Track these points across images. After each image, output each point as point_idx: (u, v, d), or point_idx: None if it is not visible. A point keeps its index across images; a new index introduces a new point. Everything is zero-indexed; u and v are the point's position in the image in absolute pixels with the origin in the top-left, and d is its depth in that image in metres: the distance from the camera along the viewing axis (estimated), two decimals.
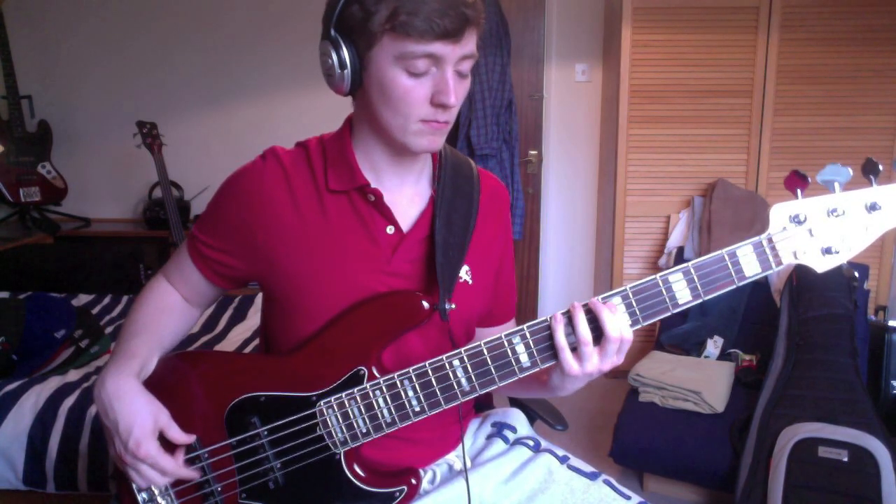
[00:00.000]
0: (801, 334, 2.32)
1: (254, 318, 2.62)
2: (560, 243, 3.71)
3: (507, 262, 1.17)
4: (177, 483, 1.02)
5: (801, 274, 2.46)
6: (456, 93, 0.92)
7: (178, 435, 0.99)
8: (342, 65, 0.92)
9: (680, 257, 2.99)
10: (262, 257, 1.03)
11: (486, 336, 1.09)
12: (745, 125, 3.01)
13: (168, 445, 0.99)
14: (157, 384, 1.02)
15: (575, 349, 0.90)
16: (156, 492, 1.02)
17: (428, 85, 0.92)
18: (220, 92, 3.66)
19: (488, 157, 3.29)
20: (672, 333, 2.77)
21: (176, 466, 0.98)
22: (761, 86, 2.96)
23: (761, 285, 2.78)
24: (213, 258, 1.07)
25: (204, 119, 3.70)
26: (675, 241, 3.10)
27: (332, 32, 0.92)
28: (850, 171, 0.86)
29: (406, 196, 1.05)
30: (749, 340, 2.71)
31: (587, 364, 0.90)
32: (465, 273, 1.05)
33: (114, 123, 3.64)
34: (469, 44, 0.92)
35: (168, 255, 3.43)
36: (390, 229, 1.02)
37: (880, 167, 0.85)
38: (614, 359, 0.91)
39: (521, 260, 3.64)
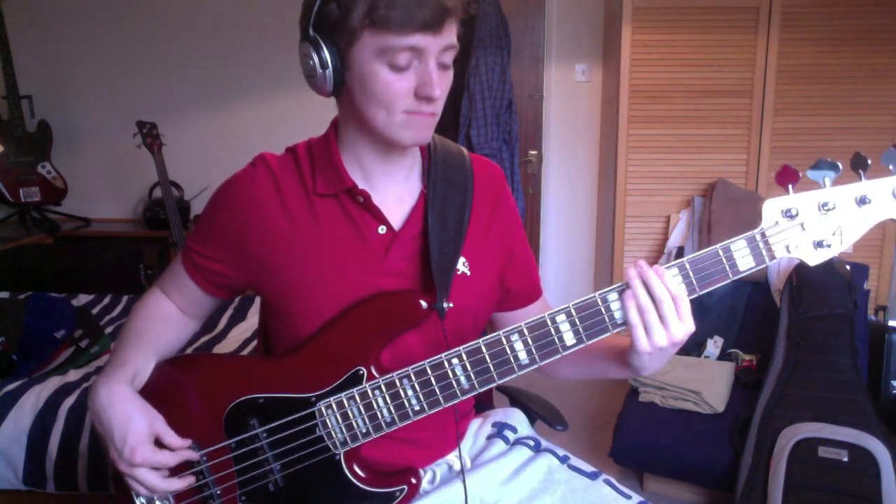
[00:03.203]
0: (801, 334, 2.32)
1: (254, 318, 2.62)
2: (560, 243, 3.71)
3: (518, 242, 1.15)
4: None
5: (801, 274, 2.46)
6: (440, 84, 0.91)
7: (174, 440, 0.99)
8: (323, 65, 0.91)
9: (680, 257, 2.98)
10: (256, 264, 1.03)
11: (514, 320, 1.06)
12: (745, 125, 3.01)
13: None
14: (154, 390, 1.02)
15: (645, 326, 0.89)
16: (154, 495, 1.02)
17: (411, 78, 0.91)
18: (220, 92, 3.66)
19: (488, 157, 3.27)
20: None
21: (174, 457, 0.98)
22: (761, 86, 2.96)
23: (761, 285, 2.78)
24: (207, 268, 1.07)
25: (204, 119, 3.70)
26: (675, 241, 3.10)
27: (311, 32, 0.91)
28: (840, 165, 0.87)
29: (395, 194, 1.04)
30: (749, 340, 2.70)
31: (654, 336, 0.88)
32: (462, 265, 1.04)
33: (114, 123, 3.64)
34: (450, 34, 0.91)
35: (168, 256, 3.44)
36: (382, 229, 1.01)
37: (868, 162, 0.86)
38: (679, 324, 0.88)
39: None
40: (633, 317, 0.89)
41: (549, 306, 1.06)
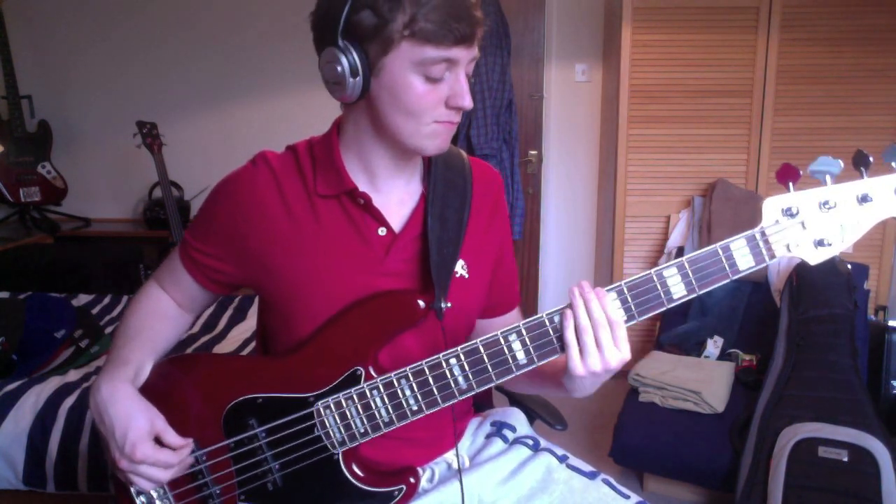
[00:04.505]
0: (801, 334, 2.32)
1: (254, 318, 2.60)
2: (560, 243, 3.71)
3: (507, 251, 1.16)
4: (175, 485, 1.02)
5: (801, 274, 2.46)
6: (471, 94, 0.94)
7: (174, 439, 0.99)
8: (354, 72, 0.91)
9: (680, 257, 2.98)
10: (256, 262, 1.03)
11: (491, 327, 1.09)
12: (745, 125, 3.01)
13: None
14: (153, 389, 1.02)
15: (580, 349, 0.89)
16: (154, 495, 1.02)
17: (443, 89, 0.92)
18: (220, 92, 3.66)
19: (488, 157, 3.29)
20: (672, 333, 2.77)
21: (176, 457, 0.98)
22: (761, 86, 2.96)
23: (761, 285, 2.78)
24: (205, 264, 1.07)
25: (204, 119, 3.70)
26: (675, 241, 3.10)
27: (340, 39, 0.91)
28: (842, 163, 0.86)
29: (397, 196, 1.04)
30: (749, 340, 2.70)
31: (589, 359, 0.88)
32: (460, 267, 1.04)
33: (114, 123, 3.64)
34: (476, 46, 0.93)
35: (168, 256, 3.43)
36: (382, 231, 1.01)
37: (871, 159, 0.85)
38: (614, 350, 0.88)
39: (521, 260, 3.64)
40: (570, 337, 0.89)
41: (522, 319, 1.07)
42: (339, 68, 0.91)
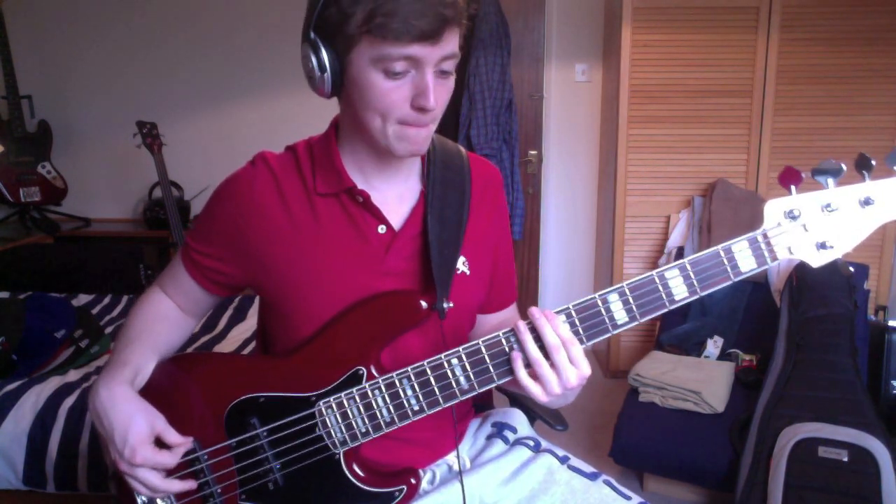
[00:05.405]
0: (801, 334, 2.32)
1: (254, 319, 2.62)
2: (560, 243, 3.71)
3: (505, 247, 1.16)
4: None
5: (801, 274, 2.46)
6: (436, 95, 0.90)
7: (175, 438, 0.98)
8: (322, 67, 0.91)
9: (680, 257, 2.96)
10: (256, 263, 1.03)
11: (486, 323, 1.08)
12: (745, 125, 3.01)
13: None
14: (155, 389, 1.02)
15: (535, 377, 0.89)
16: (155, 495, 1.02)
17: (408, 87, 0.90)
18: (220, 92, 3.66)
19: (488, 156, 3.29)
20: (672, 333, 2.77)
21: (175, 459, 0.98)
22: (761, 86, 2.96)
23: (761, 285, 2.78)
24: (206, 266, 1.07)
25: (204, 119, 3.70)
26: (675, 241, 3.10)
27: (312, 35, 0.91)
28: (844, 166, 0.86)
29: (396, 194, 1.04)
30: (749, 340, 2.70)
31: (549, 385, 0.88)
32: (462, 264, 1.04)
33: (114, 123, 3.64)
34: (450, 44, 0.89)
35: (168, 256, 3.44)
36: (382, 229, 1.01)
37: (873, 162, 0.85)
38: (572, 370, 0.88)
39: (521, 260, 3.64)
40: (523, 376, 0.89)
41: (518, 316, 1.07)
42: (309, 64, 0.92)
